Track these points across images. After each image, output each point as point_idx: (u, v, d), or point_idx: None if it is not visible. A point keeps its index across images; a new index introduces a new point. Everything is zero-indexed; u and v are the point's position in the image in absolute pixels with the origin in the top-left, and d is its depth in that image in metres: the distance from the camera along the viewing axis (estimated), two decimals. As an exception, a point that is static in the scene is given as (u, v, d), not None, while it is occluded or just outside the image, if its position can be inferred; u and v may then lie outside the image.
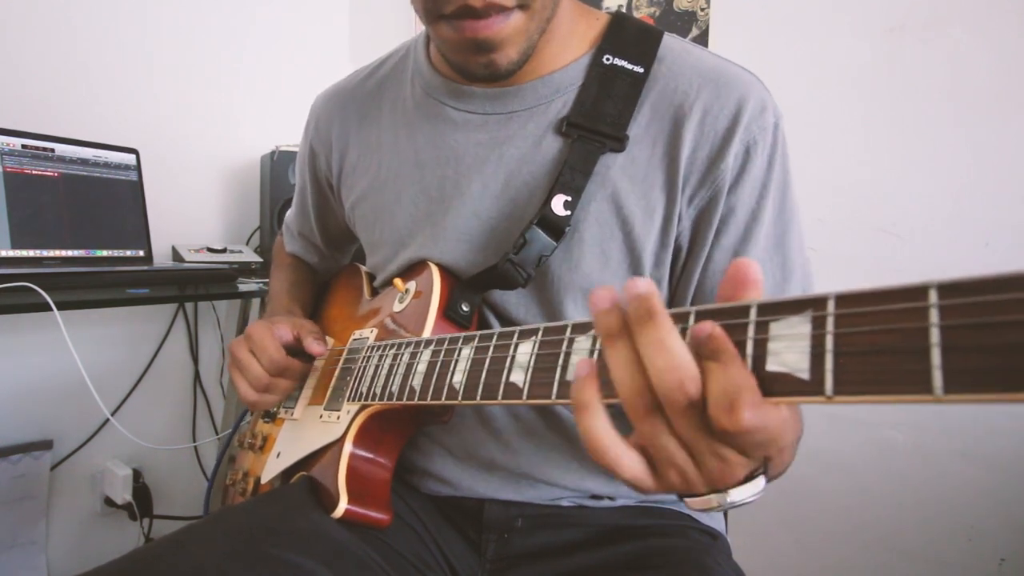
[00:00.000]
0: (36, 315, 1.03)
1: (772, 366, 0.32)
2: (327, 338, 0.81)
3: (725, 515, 0.80)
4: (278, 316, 0.82)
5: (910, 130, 1.25)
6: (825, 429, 1.31)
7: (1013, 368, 0.24)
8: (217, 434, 1.80)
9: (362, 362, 0.68)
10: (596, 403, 0.37)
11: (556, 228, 0.63)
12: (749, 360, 0.33)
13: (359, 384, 0.66)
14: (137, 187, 1.47)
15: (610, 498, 0.71)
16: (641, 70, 0.65)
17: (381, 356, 0.65)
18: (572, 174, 0.63)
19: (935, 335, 0.26)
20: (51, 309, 1.01)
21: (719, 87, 0.63)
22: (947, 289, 0.26)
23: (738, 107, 0.62)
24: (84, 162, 1.38)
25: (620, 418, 0.38)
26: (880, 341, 0.28)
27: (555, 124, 0.66)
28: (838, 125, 1.32)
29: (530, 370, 0.44)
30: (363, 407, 0.65)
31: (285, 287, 0.95)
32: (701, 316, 0.36)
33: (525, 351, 0.45)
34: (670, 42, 0.67)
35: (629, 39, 0.67)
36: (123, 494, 1.56)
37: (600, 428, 0.37)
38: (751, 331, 0.33)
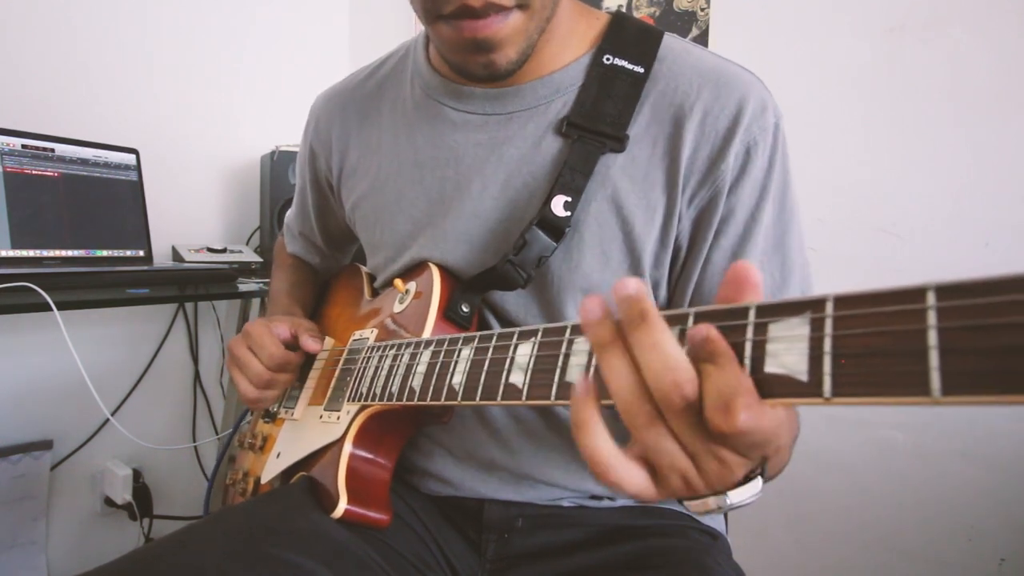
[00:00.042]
0: (36, 315, 1.03)
1: (771, 367, 0.32)
2: (327, 338, 0.81)
3: (725, 515, 0.80)
4: (277, 316, 0.82)
5: (910, 130, 1.25)
6: (825, 429, 1.31)
7: (1011, 370, 0.24)
8: (217, 434, 1.80)
9: (362, 362, 0.68)
10: (596, 421, 0.37)
11: (556, 229, 0.63)
12: (748, 362, 0.33)
13: (359, 384, 0.66)
14: (137, 187, 1.47)
15: (610, 498, 0.71)
16: (641, 70, 0.65)
17: (381, 357, 0.65)
18: (572, 174, 0.63)
19: (933, 337, 0.26)
20: (51, 309, 1.01)
21: (720, 87, 0.63)
22: (945, 291, 0.26)
23: (739, 107, 0.62)
24: (84, 162, 1.38)
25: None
26: (878, 343, 0.28)
27: (555, 124, 0.66)
28: (838, 125, 1.32)
29: (529, 371, 0.44)
30: (363, 407, 0.65)
31: (285, 287, 0.95)
32: (700, 318, 0.36)
33: (524, 352, 0.45)
34: (670, 42, 0.67)
35: (629, 39, 0.67)
36: (123, 494, 1.56)
37: (602, 447, 0.37)
38: (750, 332, 0.33)
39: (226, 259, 1.59)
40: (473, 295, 0.67)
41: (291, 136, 1.34)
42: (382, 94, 0.79)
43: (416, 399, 0.56)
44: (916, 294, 0.27)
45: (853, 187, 1.31)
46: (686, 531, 0.71)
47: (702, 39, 1.47)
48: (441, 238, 0.70)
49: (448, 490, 0.73)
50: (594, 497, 0.71)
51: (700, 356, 0.34)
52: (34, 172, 1.30)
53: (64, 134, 1.36)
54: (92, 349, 1.50)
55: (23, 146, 1.29)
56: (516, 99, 0.68)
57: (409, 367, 0.59)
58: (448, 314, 0.66)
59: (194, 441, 1.76)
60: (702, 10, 1.48)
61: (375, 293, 0.83)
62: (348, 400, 0.67)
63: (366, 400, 0.64)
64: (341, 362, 0.74)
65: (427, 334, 0.65)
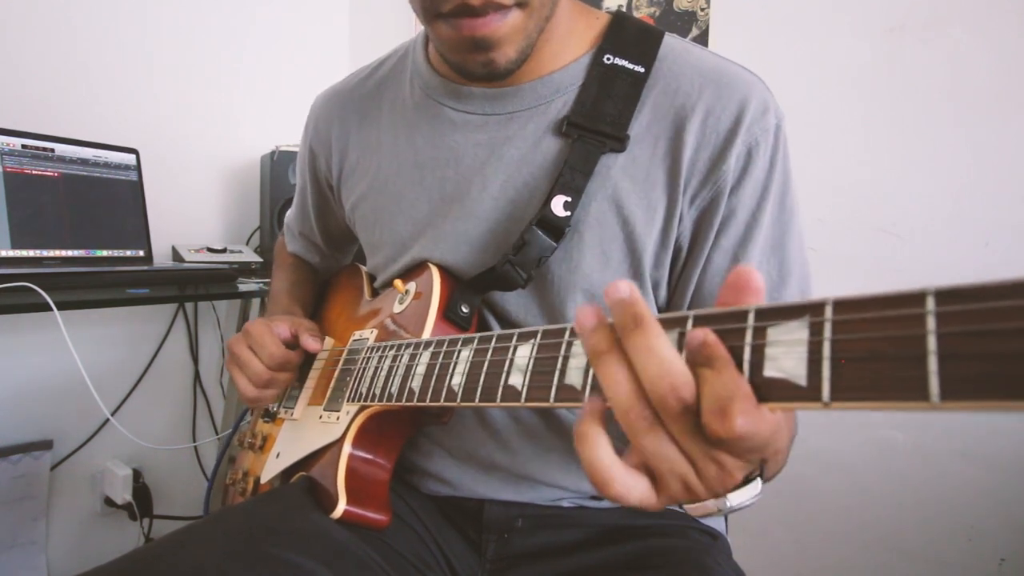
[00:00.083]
0: (36, 315, 1.03)
1: (769, 371, 0.32)
2: (327, 338, 0.81)
3: (725, 516, 0.80)
4: (277, 315, 0.82)
5: (910, 130, 1.25)
6: (825, 429, 1.31)
7: (1010, 376, 0.24)
8: (217, 434, 1.80)
9: (362, 363, 0.68)
10: (598, 434, 0.37)
11: (556, 229, 0.63)
12: (746, 365, 0.33)
13: (358, 385, 0.66)
14: (137, 187, 1.47)
15: (610, 499, 0.71)
16: (642, 70, 0.65)
17: (381, 357, 0.65)
18: (572, 174, 0.63)
19: (932, 342, 0.26)
20: (51, 309, 1.01)
21: (721, 88, 0.63)
22: (945, 296, 0.26)
23: (740, 108, 0.62)
24: (84, 162, 1.38)
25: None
26: (877, 348, 0.28)
27: (555, 124, 0.66)
28: (838, 125, 1.32)
29: (528, 373, 0.44)
30: (362, 408, 0.65)
31: (285, 287, 0.95)
32: (699, 321, 0.36)
33: (524, 354, 0.45)
34: (671, 42, 0.67)
35: (630, 39, 0.67)
36: (123, 494, 1.56)
37: (603, 458, 0.36)
38: (749, 336, 0.33)
39: (226, 259, 1.59)
40: (473, 295, 0.67)
41: (291, 136, 1.33)
42: (381, 94, 0.79)
43: (415, 400, 0.56)
44: (915, 298, 0.27)
45: (853, 187, 1.31)
46: (686, 531, 0.71)
47: (702, 39, 1.47)
48: (441, 238, 0.70)
49: (448, 490, 0.73)
50: (594, 497, 0.71)
51: (697, 360, 0.34)
52: (34, 172, 1.30)
53: (64, 134, 1.36)
54: (92, 349, 1.50)
55: (23, 146, 1.29)
56: (516, 99, 0.68)
57: (408, 368, 0.59)
58: (448, 315, 0.66)
59: (194, 441, 1.76)
60: (702, 10, 1.48)
61: (375, 293, 0.83)
62: (348, 400, 0.67)
63: (365, 400, 0.64)
64: (341, 362, 0.74)
65: (427, 335, 0.65)
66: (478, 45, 0.59)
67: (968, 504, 1.22)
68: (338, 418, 0.67)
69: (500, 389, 0.46)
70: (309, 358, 0.80)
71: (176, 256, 1.57)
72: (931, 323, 0.26)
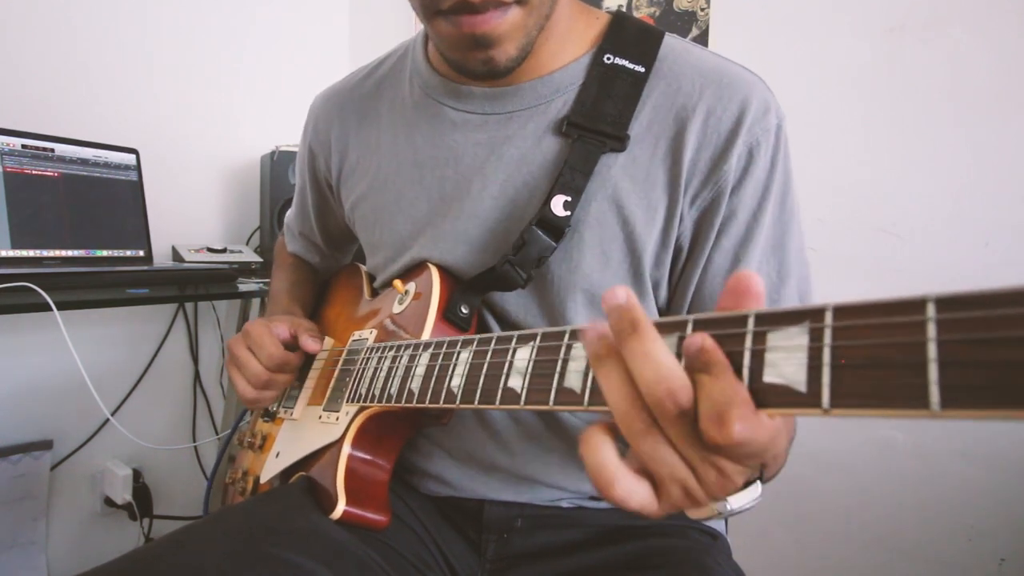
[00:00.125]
0: (36, 315, 1.03)
1: (769, 377, 0.32)
2: (327, 338, 0.81)
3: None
4: (277, 315, 0.82)
5: (910, 130, 1.25)
6: (825, 429, 1.31)
7: (1011, 385, 0.24)
8: (217, 434, 1.80)
9: (361, 363, 0.68)
10: (603, 439, 0.37)
11: (556, 228, 0.62)
12: (746, 371, 0.33)
13: (358, 385, 0.66)
14: (137, 187, 1.47)
15: (609, 499, 0.71)
16: (642, 70, 0.65)
17: (380, 358, 0.65)
18: (572, 174, 0.63)
19: (932, 350, 0.26)
20: (51, 309, 1.01)
21: (722, 88, 0.62)
22: (945, 303, 0.26)
23: (741, 108, 0.62)
24: (84, 162, 1.38)
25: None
26: (877, 355, 0.28)
27: (555, 124, 0.66)
28: (838, 125, 1.32)
29: (528, 376, 0.44)
30: (362, 408, 0.65)
31: (285, 287, 0.95)
32: (698, 325, 0.36)
33: (523, 356, 0.45)
34: (671, 42, 0.67)
35: (630, 39, 0.67)
36: (123, 494, 1.56)
37: (607, 461, 0.36)
38: (748, 341, 0.33)
39: (226, 259, 1.59)
40: (473, 296, 0.67)
41: (291, 136, 1.33)
42: (381, 94, 0.79)
43: (415, 401, 0.56)
44: (916, 305, 0.27)
45: (853, 187, 1.31)
46: (686, 531, 0.71)
47: (702, 39, 1.47)
48: (440, 238, 0.70)
49: (447, 491, 0.73)
50: (593, 498, 0.71)
51: (695, 366, 0.34)
52: (34, 172, 1.30)
53: (64, 134, 1.36)
54: (92, 349, 1.50)
55: (23, 146, 1.29)
56: (516, 98, 0.68)
57: (408, 369, 0.59)
58: (447, 315, 0.66)
59: (194, 441, 1.76)
60: (702, 10, 1.48)
61: (375, 293, 0.83)
62: (347, 401, 0.67)
63: (365, 401, 0.64)
64: (340, 362, 0.74)
65: (426, 335, 0.65)
66: (478, 42, 0.59)
67: (968, 504, 1.22)
68: (337, 418, 0.67)
69: (499, 391, 0.46)
70: (309, 357, 0.80)
71: (176, 256, 1.57)
72: (932, 330, 0.26)
